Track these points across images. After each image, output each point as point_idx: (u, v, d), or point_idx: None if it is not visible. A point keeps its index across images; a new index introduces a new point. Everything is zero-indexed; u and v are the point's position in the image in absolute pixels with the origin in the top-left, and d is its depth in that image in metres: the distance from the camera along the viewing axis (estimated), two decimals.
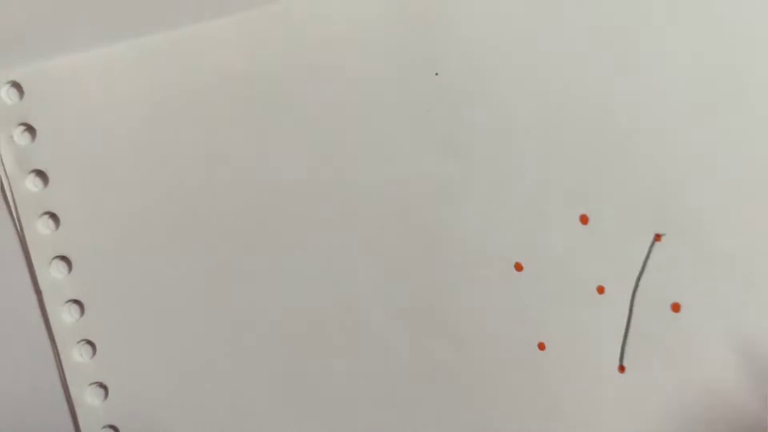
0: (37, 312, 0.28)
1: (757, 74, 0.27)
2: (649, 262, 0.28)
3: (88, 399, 0.28)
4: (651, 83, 0.28)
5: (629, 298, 0.28)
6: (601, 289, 0.28)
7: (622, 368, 0.28)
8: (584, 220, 0.28)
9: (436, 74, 0.28)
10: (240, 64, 0.27)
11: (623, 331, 0.28)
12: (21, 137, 0.27)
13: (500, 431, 0.28)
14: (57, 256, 0.28)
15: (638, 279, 0.28)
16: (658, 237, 0.28)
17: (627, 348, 0.28)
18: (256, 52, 0.27)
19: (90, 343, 0.28)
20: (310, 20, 0.27)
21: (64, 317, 0.28)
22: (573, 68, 0.28)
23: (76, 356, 0.28)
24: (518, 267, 0.28)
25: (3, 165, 0.27)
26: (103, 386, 0.28)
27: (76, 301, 0.28)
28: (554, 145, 0.28)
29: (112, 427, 0.28)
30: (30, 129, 0.27)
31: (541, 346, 0.28)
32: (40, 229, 0.27)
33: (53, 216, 0.27)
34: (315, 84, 0.28)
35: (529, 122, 0.28)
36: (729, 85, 0.27)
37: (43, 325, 0.28)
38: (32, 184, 0.27)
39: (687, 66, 0.27)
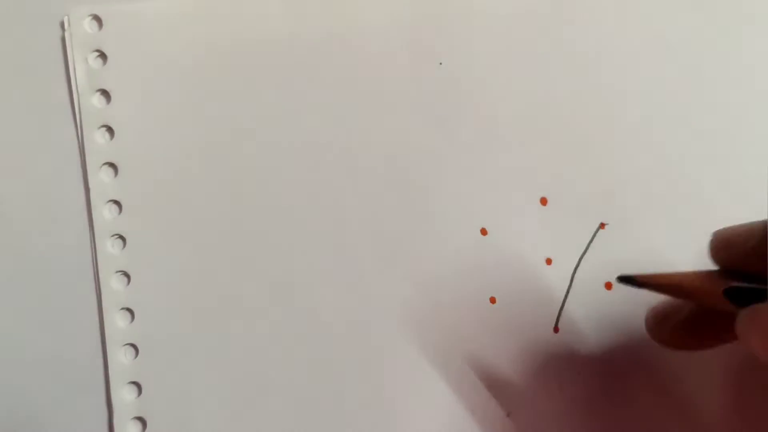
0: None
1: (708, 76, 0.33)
2: (592, 245, 0.33)
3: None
4: (614, 85, 0.34)
5: (571, 272, 0.33)
6: (549, 261, 0.34)
7: (556, 329, 0.33)
8: (544, 201, 0.34)
9: (440, 64, 0.34)
10: (284, 28, 0.33)
11: (562, 298, 0.33)
12: (94, 61, 0.33)
13: (455, 375, 0.34)
14: (106, 163, 0.33)
15: (581, 257, 0.33)
16: (602, 225, 0.33)
17: (563, 313, 0.33)
18: (294, 21, 0.33)
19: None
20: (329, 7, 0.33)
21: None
22: (559, 73, 0.34)
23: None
24: (483, 232, 0.34)
25: (76, 80, 0.33)
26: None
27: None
28: (529, 137, 0.34)
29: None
30: (102, 56, 0.33)
31: (492, 300, 0.34)
32: (97, 138, 0.33)
33: (109, 129, 0.33)
34: (342, 55, 0.33)
35: (512, 114, 0.34)
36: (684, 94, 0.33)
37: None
38: (97, 101, 0.33)
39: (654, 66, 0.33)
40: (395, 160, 0.34)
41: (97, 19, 0.33)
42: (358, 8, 0.34)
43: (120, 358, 0.32)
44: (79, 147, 0.33)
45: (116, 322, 0.33)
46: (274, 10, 0.33)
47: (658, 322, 0.28)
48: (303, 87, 0.33)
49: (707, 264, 0.26)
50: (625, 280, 0.26)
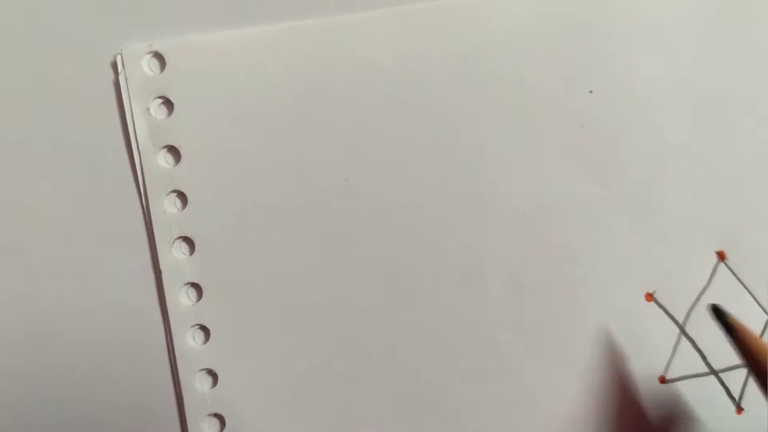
0: (155, 294, 0.27)
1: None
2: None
3: (197, 385, 0.27)
4: None
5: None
6: None
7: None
8: (722, 256, 0.27)
9: (591, 92, 0.27)
10: (387, 60, 0.26)
11: (745, 373, 0.27)
12: (158, 110, 0.26)
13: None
14: (180, 237, 0.27)
15: (767, 322, 0.27)
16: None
17: (747, 388, 0.27)
18: (404, 50, 0.26)
19: (204, 328, 0.27)
20: (465, 23, 0.26)
21: (182, 299, 0.27)
22: (727, 100, 0.27)
23: (189, 341, 0.27)
24: (648, 297, 0.27)
25: (136, 136, 0.26)
26: (213, 373, 0.27)
27: (195, 285, 0.27)
28: (699, 176, 0.27)
29: (217, 415, 0.27)
30: (167, 103, 0.26)
31: (662, 380, 0.27)
32: (167, 207, 0.26)
33: (181, 194, 0.27)
34: (464, 90, 0.27)
35: (678, 151, 0.27)
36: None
37: (158, 308, 0.27)
38: (164, 160, 0.26)
39: None
40: (536, 215, 0.27)
41: (158, 57, 0.26)
42: (473, 31, 0.27)
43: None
44: (145, 219, 0.27)
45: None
46: (380, 36, 0.27)
47: None
48: (405, 124, 0.27)
49: None
50: (716, 311, 0.24)
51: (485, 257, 0.27)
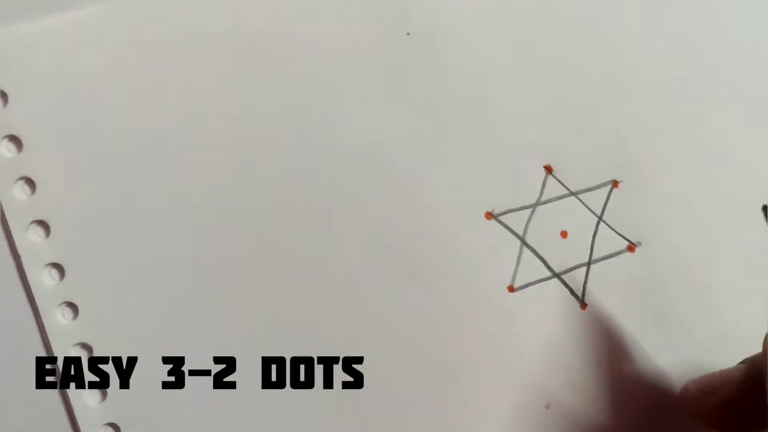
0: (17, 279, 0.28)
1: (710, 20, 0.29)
2: (607, 208, 0.30)
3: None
4: (607, 34, 0.30)
5: (590, 242, 0.30)
6: (564, 234, 0.30)
7: (584, 306, 0.30)
8: (549, 169, 0.30)
9: (408, 34, 0.29)
10: (214, 24, 0.28)
11: (584, 271, 0.30)
12: None
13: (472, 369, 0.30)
14: (35, 221, 0.27)
15: (597, 224, 0.30)
16: (616, 183, 0.30)
17: (588, 285, 0.30)
18: (230, 13, 0.28)
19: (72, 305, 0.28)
20: None
21: (45, 280, 0.28)
22: (540, 23, 0.30)
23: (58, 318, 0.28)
24: (488, 216, 0.30)
25: None
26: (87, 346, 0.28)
27: (56, 265, 0.28)
28: (521, 99, 0.30)
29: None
30: (2, 94, 0.27)
31: (510, 289, 0.30)
32: (16, 194, 0.27)
33: (29, 181, 0.27)
34: (288, 45, 0.28)
35: (498, 78, 0.29)
36: (680, 29, 0.30)
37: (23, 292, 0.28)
38: (6, 149, 0.27)
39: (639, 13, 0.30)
40: (372, 154, 0.29)
41: None
42: None
43: None
44: None
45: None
46: (201, 5, 0.28)
47: (701, 396, 0.26)
48: (248, 85, 0.28)
49: None
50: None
51: (338, 217, 0.29)
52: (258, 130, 0.28)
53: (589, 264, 0.30)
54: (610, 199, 0.30)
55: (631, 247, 0.30)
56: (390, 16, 0.29)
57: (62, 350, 0.28)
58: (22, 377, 0.28)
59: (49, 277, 0.28)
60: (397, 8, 0.29)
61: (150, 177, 0.28)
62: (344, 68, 0.29)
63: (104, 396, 0.28)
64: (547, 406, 0.30)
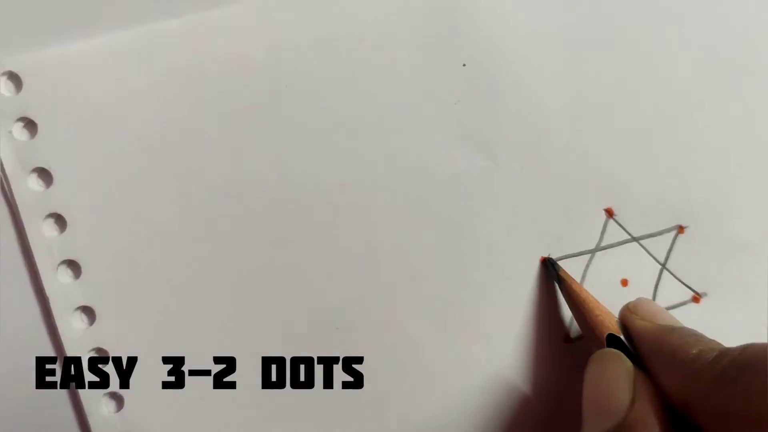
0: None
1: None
2: (672, 255, 0.28)
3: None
4: (670, 77, 0.28)
5: (652, 290, 0.28)
6: (624, 282, 0.28)
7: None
8: (610, 213, 0.28)
9: (464, 65, 0.27)
10: (256, 53, 0.26)
11: None
12: (21, 133, 0.25)
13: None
14: (64, 261, 0.26)
15: (660, 272, 0.28)
16: (681, 229, 0.28)
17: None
18: (273, 41, 0.26)
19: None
20: (330, 8, 0.26)
21: (74, 324, 0.26)
22: (598, 61, 0.28)
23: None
24: (542, 261, 0.28)
25: (2, 163, 0.25)
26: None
27: (86, 308, 0.26)
28: (580, 139, 0.28)
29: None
30: (30, 124, 0.25)
31: (566, 339, 0.28)
32: (45, 231, 0.25)
33: (59, 217, 0.26)
34: (337, 75, 0.26)
35: (556, 116, 0.27)
36: (742, 76, 0.28)
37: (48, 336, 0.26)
38: (35, 183, 0.25)
39: (702, 58, 0.27)
40: (419, 190, 0.27)
41: (13, 77, 0.25)
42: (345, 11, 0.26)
43: None
44: (21, 245, 0.26)
45: None
46: (249, 33, 0.26)
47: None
48: (282, 118, 0.26)
49: None
50: (550, 264, 0.26)
51: (377, 242, 0.27)
52: (298, 164, 0.27)
53: None
54: (674, 246, 0.28)
55: (696, 298, 0.28)
56: (447, 45, 0.27)
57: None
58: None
59: (80, 321, 0.26)
60: (454, 37, 0.27)
61: (183, 214, 0.26)
62: (396, 99, 0.27)
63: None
64: None
